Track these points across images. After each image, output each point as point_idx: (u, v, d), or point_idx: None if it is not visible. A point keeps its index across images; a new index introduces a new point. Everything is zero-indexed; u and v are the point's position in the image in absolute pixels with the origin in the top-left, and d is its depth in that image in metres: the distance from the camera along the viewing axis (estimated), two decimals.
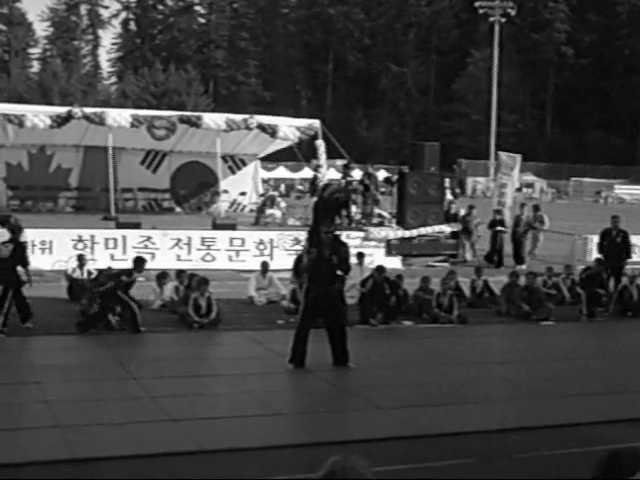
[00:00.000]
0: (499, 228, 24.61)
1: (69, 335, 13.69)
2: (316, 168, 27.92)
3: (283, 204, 30.44)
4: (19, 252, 13.97)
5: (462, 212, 26.00)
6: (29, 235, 19.73)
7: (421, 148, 25.23)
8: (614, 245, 19.08)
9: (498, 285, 18.11)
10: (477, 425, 9.33)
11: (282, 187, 49.39)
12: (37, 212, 27.70)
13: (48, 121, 25.17)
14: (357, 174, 30.78)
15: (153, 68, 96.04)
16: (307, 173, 48.52)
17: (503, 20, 66.50)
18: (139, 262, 14.89)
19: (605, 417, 9.68)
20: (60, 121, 25.42)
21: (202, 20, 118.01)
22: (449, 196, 29.72)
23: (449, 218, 25.04)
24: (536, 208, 26.41)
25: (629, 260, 19.30)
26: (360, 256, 18.31)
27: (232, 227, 22.54)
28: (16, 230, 14.48)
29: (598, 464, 2.61)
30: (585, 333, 16.24)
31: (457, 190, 47.37)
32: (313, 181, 28.02)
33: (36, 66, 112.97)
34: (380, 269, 16.17)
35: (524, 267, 22.56)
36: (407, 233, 23.40)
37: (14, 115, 25.26)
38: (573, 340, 15.40)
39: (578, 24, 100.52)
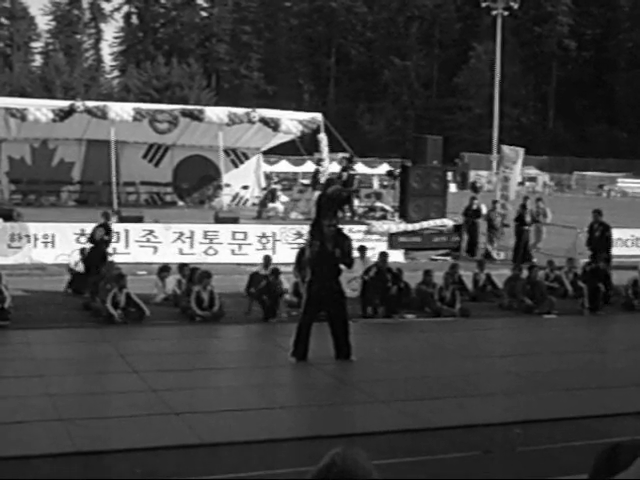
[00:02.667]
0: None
1: (72, 328, 13.72)
2: (318, 162, 27.87)
3: (283, 197, 30.35)
4: (110, 235, 16.56)
5: (484, 208, 25.75)
6: (32, 229, 19.84)
7: (423, 141, 25.20)
8: (593, 238, 19.93)
9: (500, 279, 18.11)
10: (480, 418, 9.33)
11: (276, 179, 49.07)
12: (40, 206, 27.65)
13: (50, 115, 25.13)
14: (359, 167, 30.69)
15: (155, 62, 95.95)
16: (310, 167, 48.35)
17: (506, 13, 66.01)
18: (266, 260, 16.30)
19: (608, 410, 9.67)
20: (62, 115, 25.37)
21: (204, 14, 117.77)
22: (453, 189, 29.62)
23: (471, 214, 24.90)
24: (539, 201, 26.36)
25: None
26: (362, 249, 18.28)
27: (234, 221, 22.53)
28: (107, 216, 16.76)
29: (599, 457, 2.60)
30: (587, 326, 16.22)
31: (477, 185, 46.88)
32: (315, 174, 27.96)
33: (38, 60, 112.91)
34: (383, 254, 16.29)
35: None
36: (410, 226, 23.38)
37: (16, 109, 25.21)
38: (575, 333, 15.39)
39: (581, 17, 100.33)
